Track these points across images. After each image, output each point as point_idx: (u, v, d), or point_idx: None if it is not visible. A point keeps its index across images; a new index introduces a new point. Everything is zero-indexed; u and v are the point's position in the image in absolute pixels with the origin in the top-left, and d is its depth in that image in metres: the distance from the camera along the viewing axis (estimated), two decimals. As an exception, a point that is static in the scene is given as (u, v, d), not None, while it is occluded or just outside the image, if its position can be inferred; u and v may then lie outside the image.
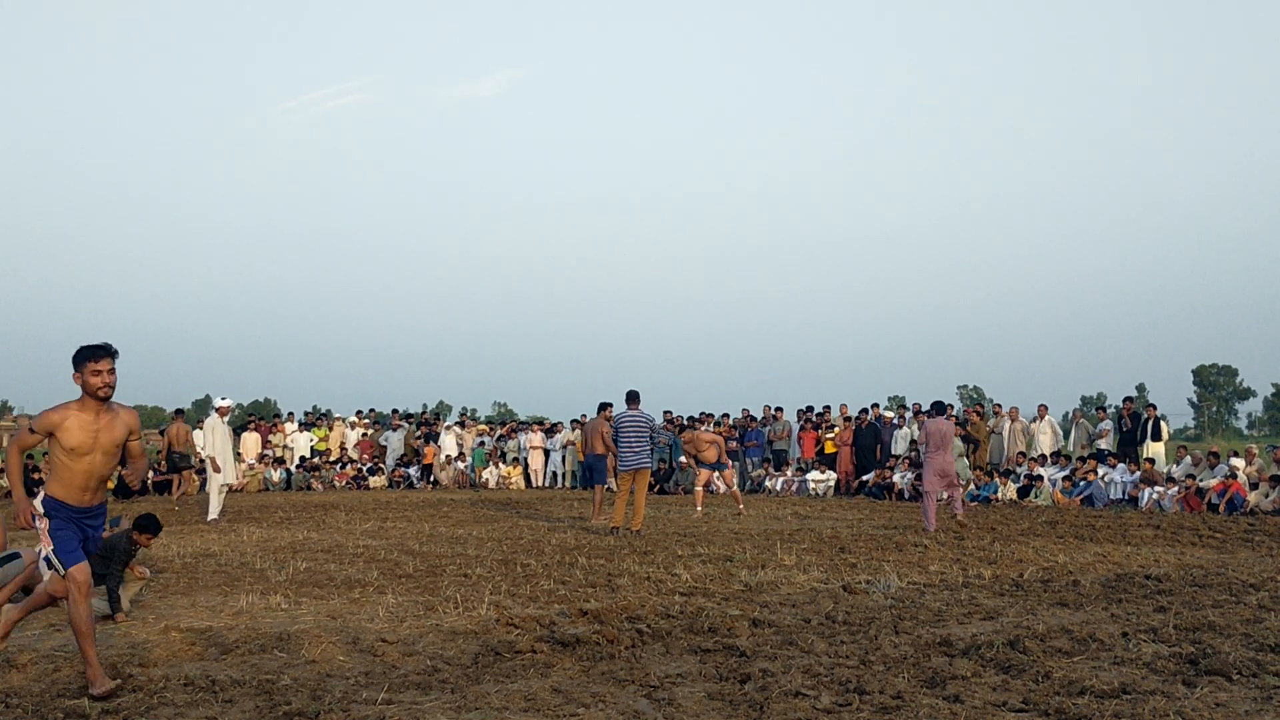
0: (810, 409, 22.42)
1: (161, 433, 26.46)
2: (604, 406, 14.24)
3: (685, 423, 22.92)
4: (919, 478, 18.22)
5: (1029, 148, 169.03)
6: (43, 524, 4.68)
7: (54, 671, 4.88)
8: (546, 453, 24.39)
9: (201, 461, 16.52)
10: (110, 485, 20.79)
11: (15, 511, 4.69)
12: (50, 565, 4.70)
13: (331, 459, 24.61)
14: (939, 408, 12.90)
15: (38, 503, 4.72)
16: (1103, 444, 18.43)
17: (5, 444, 24.56)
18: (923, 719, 3.89)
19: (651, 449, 12.32)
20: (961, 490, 12.30)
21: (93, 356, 4.66)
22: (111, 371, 4.69)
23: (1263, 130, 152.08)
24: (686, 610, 6.25)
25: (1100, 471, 16.89)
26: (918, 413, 20.63)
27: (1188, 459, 16.85)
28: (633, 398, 12.15)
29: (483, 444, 25.07)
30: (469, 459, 24.57)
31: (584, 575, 8.01)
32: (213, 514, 13.40)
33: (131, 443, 4.95)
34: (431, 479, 23.99)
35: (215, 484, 13.56)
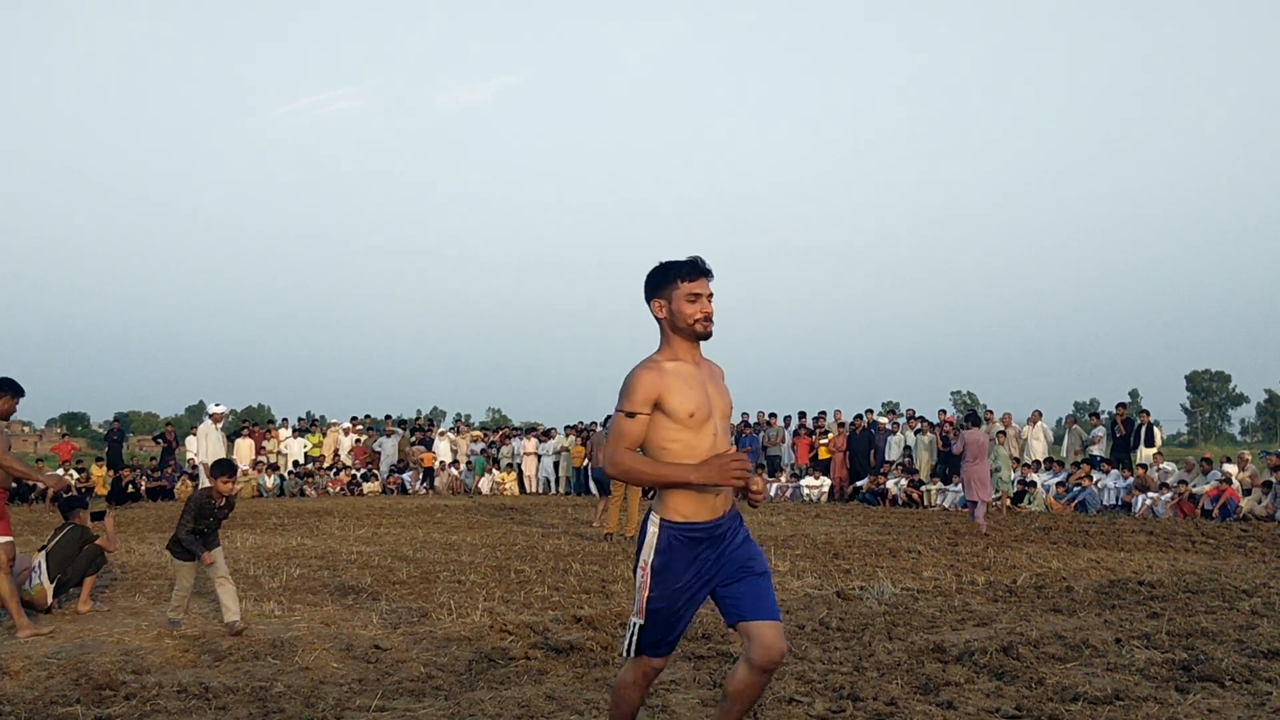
0: (804, 415, 22.45)
1: (156, 440, 26.44)
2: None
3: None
4: (913, 484, 18.34)
5: (1024, 155, 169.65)
6: (643, 577, 3.05)
7: (47, 679, 4.86)
8: (539, 458, 24.38)
9: (194, 467, 16.49)
10: (103, 491, 20.55)
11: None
12: (628, 635, 3.12)
13: (325, 465, 24.58)
14: (974, 419, 13.39)
15: (652, 537, 3.06)
16: (1096, 450, 18.47)
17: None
18: (916, 725, 3.90)
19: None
20: (984, 506, 12.77)
21: (685, 274, 3.09)
22: (711, 297, 3.13)
23: (1257, 137, 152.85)
24: (681, 617, 6.25)
25: (1094, 477, 16.94)
26: (910, 418, 20.68)
27: (1168, 464, 16.95)
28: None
29: (482, 451, 25.10)
30: (463, 465, 24.59)
31: (578, 581, 8.00)
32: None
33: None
34: (424, 483, 23.98)
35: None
